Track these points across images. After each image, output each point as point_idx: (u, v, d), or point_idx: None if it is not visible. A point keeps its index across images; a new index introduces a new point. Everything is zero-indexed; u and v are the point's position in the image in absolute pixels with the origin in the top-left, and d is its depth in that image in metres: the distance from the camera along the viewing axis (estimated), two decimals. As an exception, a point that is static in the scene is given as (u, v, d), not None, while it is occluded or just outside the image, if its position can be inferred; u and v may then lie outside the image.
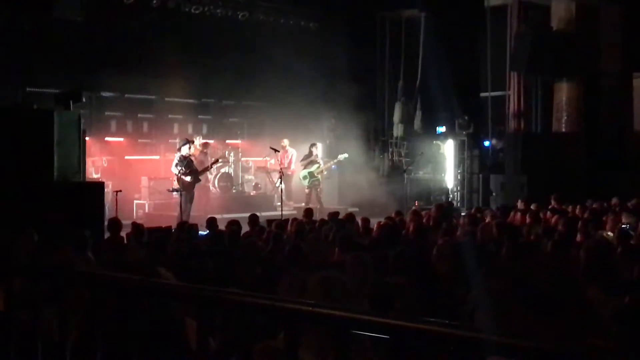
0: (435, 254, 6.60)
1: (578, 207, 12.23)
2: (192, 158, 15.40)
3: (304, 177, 17.52)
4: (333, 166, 19.49)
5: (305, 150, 18.26)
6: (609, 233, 9.27)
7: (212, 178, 17.53)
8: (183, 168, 14.73)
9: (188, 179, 14.70)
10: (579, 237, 8.78)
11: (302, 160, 17.81)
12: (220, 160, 16.58)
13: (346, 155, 17.91)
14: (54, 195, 10.19)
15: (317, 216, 12.78)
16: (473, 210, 11.78)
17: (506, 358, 2.02)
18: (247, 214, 11.30)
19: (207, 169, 15.71)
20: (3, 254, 4.00)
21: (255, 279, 6.74)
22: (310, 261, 6.86)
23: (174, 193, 14.88)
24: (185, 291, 2.45)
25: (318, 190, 17.49)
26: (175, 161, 14.97)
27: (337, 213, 11.33)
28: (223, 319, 3.76)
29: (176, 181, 14.92)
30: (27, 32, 14.95)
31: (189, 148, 15.23)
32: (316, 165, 17.62)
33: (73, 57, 16.06)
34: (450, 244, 7.11)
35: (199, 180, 15.31)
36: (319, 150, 18.25)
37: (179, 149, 15.19)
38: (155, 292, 2.51)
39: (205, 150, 16.78)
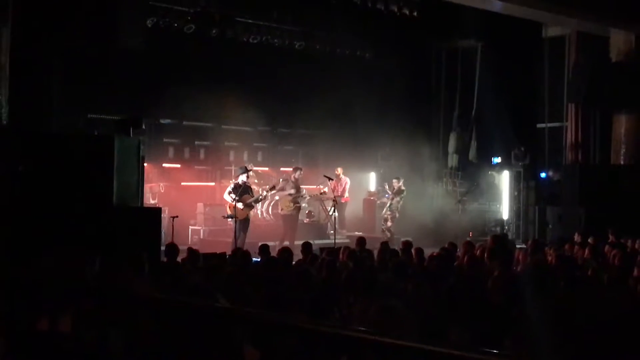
0: (490, 285, 6.53)
1: (637, 241, 11.98)
2: (250, 185, 15.54)
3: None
4: (386, 195, 19.46)
5: (359, 179, 18.26)
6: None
7: (266, 205, 17.68)
8: (236, 196, 14.84)
9: (240, 206, 14.80)
10: (636, 272, 8.61)
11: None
12: (274, 188, 16.64)
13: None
14: (113, 220, 10.37)
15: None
16: (530, 242, 11.62)
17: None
18: (301, 242, 11.34)
19: (258, 199, 15.83)
20: (67, 278, 4.11)
21: (308, 307, 6.75)
22: (365, 289, 6.85)
23: (229, 219, 15.02)
24: (249, 316, 2.49)
25: (388, 220, 17.33)
26: (229, 189, 15.10)
27: (387, 243, 11.32)
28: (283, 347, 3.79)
29: (228, 208, 15.04)
30: (89, 60, 15.32)
31: (247, 177, 15.33)
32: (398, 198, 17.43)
33: (133, 84, 16.40)
34: (506, 275, 7.03)
35: (252, 207, 15.41)
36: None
37: (237, 177, 15.33)
38: (217, 316, 2.56)
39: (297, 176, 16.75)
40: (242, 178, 15.11)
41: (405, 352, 2.11)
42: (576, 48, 19.36)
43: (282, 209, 16.41)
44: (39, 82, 12.87)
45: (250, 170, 16.15)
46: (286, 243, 14.43)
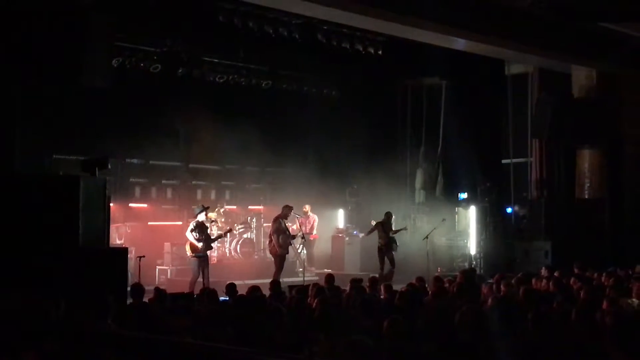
0: (458, 320, 6.54)
1: (604, 274, 12.10)
2: (208, 225, 15.49)
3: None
4: (354, 232, 19.55)
5: (327, 216, 18.24)
6: (635, 300, 9.20)
7: (234, 244, 17.59)
8: (197, 234, 14.77)
9: (200, 244, 14.70)
10: (604, 305, 8.69)
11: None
12: (235, 230, 16.53)
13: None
14: (79, 261, 10.24)
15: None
16: (496, 277, 11.68)
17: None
18: (269, 280, 11.28)
19: (219, 236, 15.81)
20: (32, 319, 4.04)
21: (277, 345, 6.71)
22: (335, 326, 6.83)
23: (197, 258, 14.89)
24: (219, 352, 2.47)
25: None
26: (191, 227, 14.98)
27: (360, 280, 11.31)
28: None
29: (188, 246, 14.92)
30: (54, 99, 15.21)
31: (205, 215, 15.30)
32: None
33: (99, 124, 16.31)
34: (473, 310, 7.05)
35: (211, 247, 15.30)
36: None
37: (196, 216, 15.26)
38: (183, 353, 2.54)
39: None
40: (201, 217, 15.08)
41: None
42: (539, 85, 19.66)
43: (278, 249, 15.99)
44: (3, 123, 12.77)
45: (208, 208, 15.97)
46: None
